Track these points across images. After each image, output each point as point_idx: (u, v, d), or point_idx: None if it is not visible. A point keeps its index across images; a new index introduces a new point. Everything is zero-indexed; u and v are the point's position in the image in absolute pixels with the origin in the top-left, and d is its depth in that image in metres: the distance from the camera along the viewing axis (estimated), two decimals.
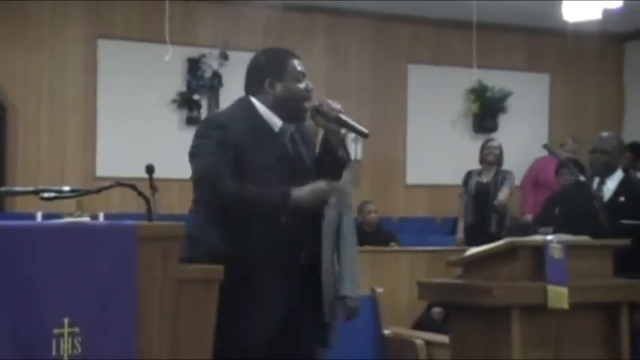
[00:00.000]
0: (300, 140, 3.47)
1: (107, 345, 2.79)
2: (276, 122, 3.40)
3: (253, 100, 3.43)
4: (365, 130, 3.38)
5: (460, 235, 8.04)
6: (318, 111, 3.35)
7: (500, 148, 8.10)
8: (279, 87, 3.40)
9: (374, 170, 10.21)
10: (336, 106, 3.35)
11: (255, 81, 3.46)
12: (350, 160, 3.50)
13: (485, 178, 7.96)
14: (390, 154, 10.42)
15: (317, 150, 3.47)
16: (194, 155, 3.39)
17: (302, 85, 3.42)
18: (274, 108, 3.40)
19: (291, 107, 3.40)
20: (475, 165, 8.25)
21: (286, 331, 3.37)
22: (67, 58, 9.26)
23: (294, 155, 3.43)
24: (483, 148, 8.12)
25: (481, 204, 7.88)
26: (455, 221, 8.57)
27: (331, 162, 3.40)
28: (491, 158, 8.00)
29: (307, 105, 3.40)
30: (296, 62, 3.44)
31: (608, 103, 11.54)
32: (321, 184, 3.26)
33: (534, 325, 3.84)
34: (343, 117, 3.33)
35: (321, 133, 3.52)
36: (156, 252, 2.92)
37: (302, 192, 3.24)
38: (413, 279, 4.43)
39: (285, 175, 3.34)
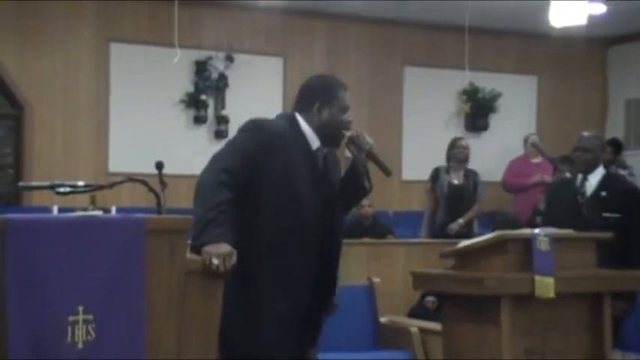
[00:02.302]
0: (331, 165, 3.57)
1: (118, 332, 2.80)
2: (314, 141, 3.48)
3: (298, 117, 3.50)
4: (390, 169, 3.57)
5: (424, 231, 8.01)
6: (353, 140, 3.48)
7: (469, 147, 8.14)
8: (325, 113, 3.49)
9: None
10: (370, 140, 3.49)
11: (305, 101, 3.53)
12: (371, 190, 3.57)
13: (456, 179, 7.96)
14: (387, 151, 10.34)
15: (343, 174, 3.60)
16: (227, 145, 3.46)
17: (345, 117, 3.52)
18: (316, 130, 3.48)
19: (331, 133, 3.49)
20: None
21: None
22: (81, 60, 9.25)
23: (324, 174, 3.50)
24: (453, 147, 8.08)
25: (454, 206, 7.87)
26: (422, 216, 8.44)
27: (354, 187, 3.53)
28: (462, 157, 8.03)
29: (345, 133, 3.50)
30: (345, 95, 3.56)
31: (592, 103, 11.54)
32: (226, 249, 3.05)
33: (523, 314, 3.84)
34: (374, 151, 3.49)
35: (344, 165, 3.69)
36: (164, 244, 2.92)
37: (209, 245, 3.05)
38: (407, 270, 4.44)
39: (312, 189, 3.40)
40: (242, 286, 3.28)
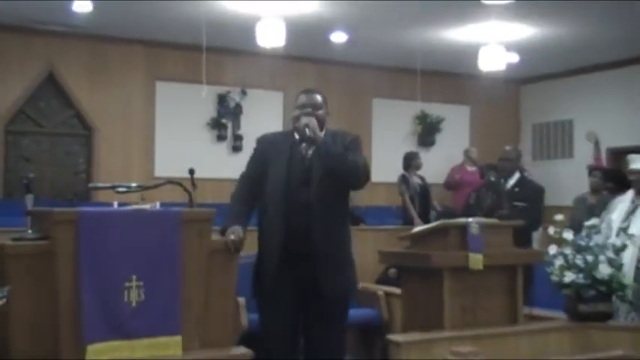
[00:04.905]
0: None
1: (162, 294, 2.80)
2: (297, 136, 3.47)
3: None
4: (315, 138, 3.34)
5: (412, 214, 8.06)
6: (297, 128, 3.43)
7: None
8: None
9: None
10: (304, 121, 3.35)
11: None
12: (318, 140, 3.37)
13: (418, 180, 8.15)
14: None
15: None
16: None
17: (297, 112, 3.47)
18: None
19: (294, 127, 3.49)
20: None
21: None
22: (134, 94, 9.22)
23: (306, 160, 3.41)
24: (416, 158, 8.34)
25: (425, 200, 8.08)
26: (404, 212, 8.45)
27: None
28: (420, 166, 8.38)
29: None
30: (300, 96, 3.56)
31: (509, 126, 11.57)
32: (235, 228, 3.15)
33: (459, 281, 3.83)
34: (307, 131, 3.35)
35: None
36: (194, 230, 2.92)
37: (229, 231, 3.14)
38: (376, 249, 4.42)
39: (288, 171, 3.37)
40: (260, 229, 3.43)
